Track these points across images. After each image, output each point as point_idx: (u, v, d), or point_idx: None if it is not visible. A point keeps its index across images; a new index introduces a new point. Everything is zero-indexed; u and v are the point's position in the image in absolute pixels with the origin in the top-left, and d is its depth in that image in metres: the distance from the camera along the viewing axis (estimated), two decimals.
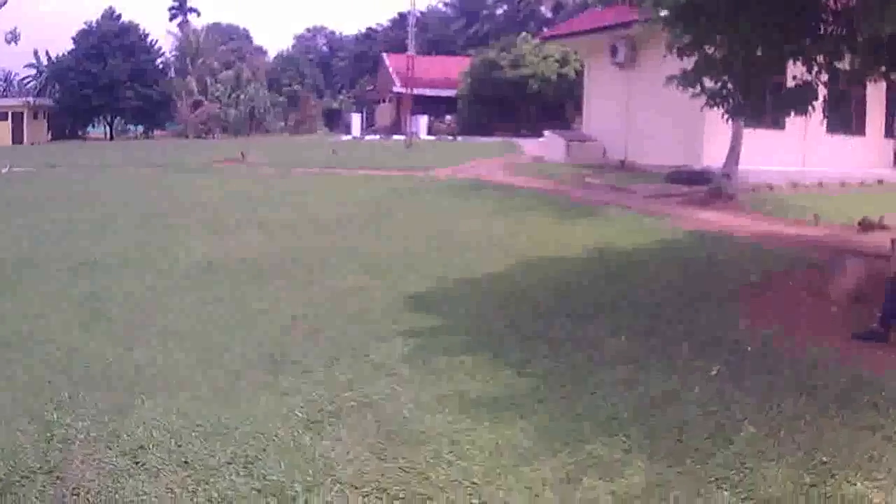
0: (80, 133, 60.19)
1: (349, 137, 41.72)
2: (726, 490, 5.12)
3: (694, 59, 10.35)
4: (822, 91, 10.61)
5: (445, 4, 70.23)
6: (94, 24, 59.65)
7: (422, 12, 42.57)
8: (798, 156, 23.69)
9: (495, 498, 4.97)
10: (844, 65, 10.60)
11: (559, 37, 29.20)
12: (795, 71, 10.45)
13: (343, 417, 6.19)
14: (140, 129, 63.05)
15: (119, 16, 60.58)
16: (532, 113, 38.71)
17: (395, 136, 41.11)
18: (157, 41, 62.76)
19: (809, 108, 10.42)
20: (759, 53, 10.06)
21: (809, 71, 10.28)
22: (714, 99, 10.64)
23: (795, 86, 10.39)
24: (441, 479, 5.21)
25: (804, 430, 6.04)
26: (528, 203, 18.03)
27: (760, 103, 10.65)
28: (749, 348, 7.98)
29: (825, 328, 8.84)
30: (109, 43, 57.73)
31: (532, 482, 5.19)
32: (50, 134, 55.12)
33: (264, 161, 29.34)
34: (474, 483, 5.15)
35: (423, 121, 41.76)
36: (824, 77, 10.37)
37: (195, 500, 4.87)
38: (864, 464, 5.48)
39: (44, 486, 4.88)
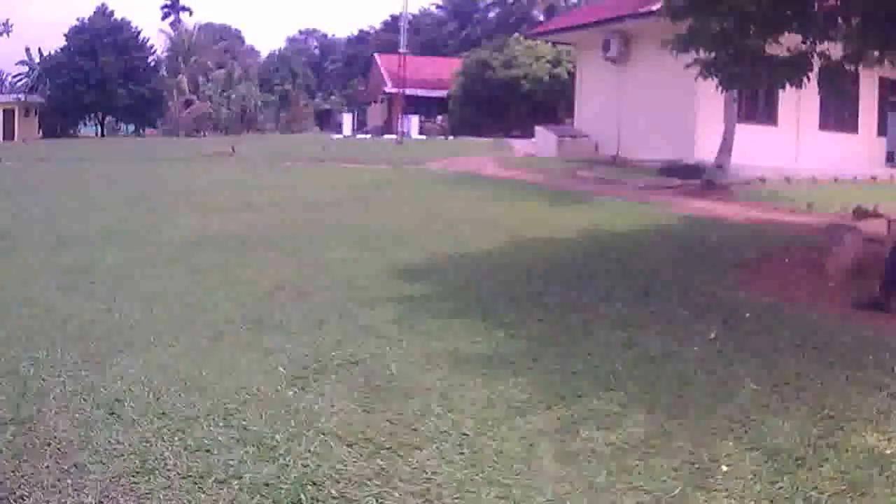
0: (70, 132, 59.71)
1: (340, 136, 41.53)
2: (730, 441, 4.88)
3: (688, 22, 10.13)
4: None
5: (438, 7, 70.21)
6: (86, 21, 59.46)
7: (414, 15, 42.40)
8: (791, 152, 23.58)
9: (487, 448, 4.71)
10: (838, 51, 10.43)
11: (552, 32, 29.08)
12: (790, 42, 10.27)
13: (328, 374, 5.94)
14: (131, 128, 62.81)
15: (112, 13, 60.40)
16: (523, 113, 38.55)
17: (387, 136, 40.95)
18: (149, 39, 62.78)
19: (805, 79, 10.23)
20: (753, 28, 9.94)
21: (805, 41, 10.12)
22: (708, 69, 10.43)
23: (790, 56, 10.20)
24: (430, 430, 4.96)
25: (808, 388, 5.82)
26: (519, 192, 17.88)
27: (755, 72, 10.43)
28: (747, 314, 7.78)
29: (824, 298, 8.68)
30: (102, 40, 57.36)
31: (527, 433, 4.94)
32: (41, 132, 54.61)
33: (254, 155, 29.13)
34: (464, 434, 4.90)
35: (415, 120, 41.58)
36: (820, 47, 10.18)
37: (171, 448, 4.63)
38: (873, 418, 5.26)
39: (13, 437, 4.70)
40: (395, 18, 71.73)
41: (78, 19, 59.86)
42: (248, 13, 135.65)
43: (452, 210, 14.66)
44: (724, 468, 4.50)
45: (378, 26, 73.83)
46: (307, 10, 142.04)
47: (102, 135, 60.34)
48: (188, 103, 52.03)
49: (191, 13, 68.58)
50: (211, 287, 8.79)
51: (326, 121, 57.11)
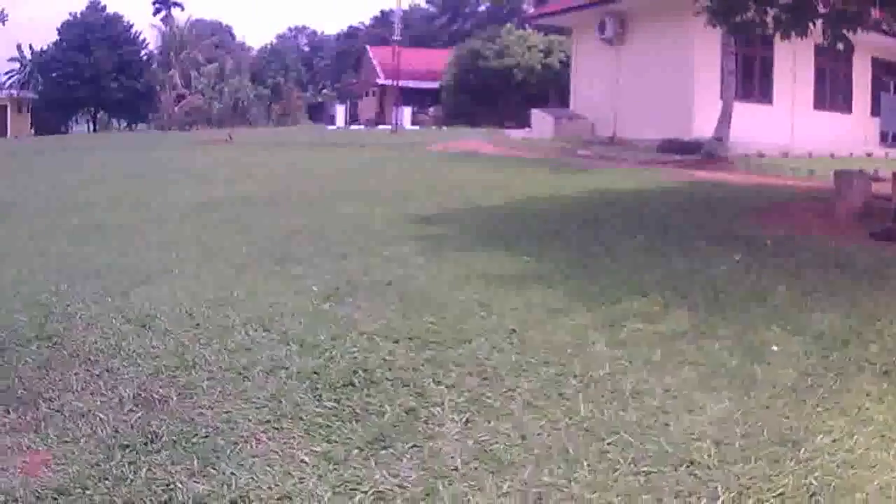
0: (62, 129, 59.32)
1: (334, 128, 41.51)
2: (775, 329, 4.96)
3: None
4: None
5: (428, 2, 70.23)
6: (79, 16, 59.21)
7: (404, 10, 42.44)
8: (786, 131, 23.68)
9: (536, 339, 4.78)
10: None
11: (547, 15, 29.13)
12: None
13: (360, 292, 5.94)
14: (124, 123, 62.49)
15: (104, 7, 60.27)
16: (516, 104, 38.56)
17: (380, 127, 40.93)
18: (141, 33, 62.53)
19: (809, 27, 10.32)
20: None
21: None
22: (715, 15, 10.52)
23: (795, 1, 10.28)
24: (475, 328, 5.00)
25: (839, 293, 5.92)
26: (521, 165, 17.93)
27: (761, 19, 10.52)
28: (767, 242, 7.86)
29: (837, 233, 8.78)
30: (94, 34, 57.18)
31: (572, 328, 5.01)
32: (33, 129, 54.24)
33: (251, 142, 29.07)
34: (511, 330, 4.96)
35: (407, 112, 41.57)
36: None
37: (210, 349, 4.67)
38: None
39: (39, 349, 4.69)
40: (385, 14, 71.83)
41: (70, 14, 59.83)
42: (237, 10, 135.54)
43: (458, 177, 14.67)
44: (775, 347, 4.61)
45: (368, 22, 74.01)
46: (296, 8, 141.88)
47: (94, 130, 60.01)
48: (180, 98, 51.88)
49: (182, 8, 68.37)
50: (226, 234, 8.76)
51: (318, 114, 57.02)
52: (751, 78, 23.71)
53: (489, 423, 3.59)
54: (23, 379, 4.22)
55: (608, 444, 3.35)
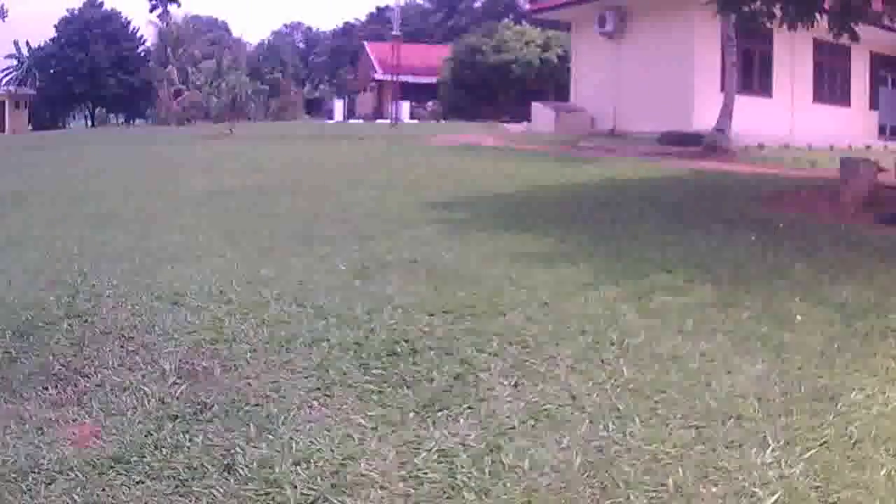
0: (59, 124, 59.07)
1: (332, 122, 41.60)
2: (797, 300, 5.13)
3: None
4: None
5: None
6: (76, 12, 59.09)
7: (400, 7, 42.48)
8: (786, 124, 23.85)
9: (570, 310, 4.94)
10: None
11: (547, 9, 29.24)
12: None
13: (389, 270, 6.07)
14: (121, 118, 62.28)
15: (101, 3, 60.05)
16: (513, 99, 38.65)
17: (379, 121, 40.98)
18: (138, 29, 62.35)
19: (816, 16, 10.48)
20: None
21: None
22: (724, 6, 10.68)
23: None
24: (509, 301, 5.14)
25: (854, 270, 6.10)
26: (525, 157, 18.03)
27: (769, 9, 10.68)
28: (780, 224, 8.02)
29: (845, 218, 8.95)
30: (92, 30, 56.92)
31: (603, 300, 5.17)
32: (31, 125, 54.05)
33: (252, 135, 29.09)
34: (545, 302, 5.11)
35: (406, 106, 41.63)
36: None
37: (246, 323, 4.75)
38: None
39: (70, 328, 4.70)
40: (380, 10, 71.93)
41: (68, 10, 59.49)
42: (233, 7, 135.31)
43: (465, 168, 14.79)
44: (799, 317, 4.77)
45: (363, 18, 74.10)
46: (291, 4, 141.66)
47: (92, 125, 59.82)
48: (177, 93, 51.83)
49: (179, 5, 68.22)
50: (246, 219, 8.83)
51: (315, 109, 57.06)
52: (750, 71, 23.90)
53: (537, 386, 3.73)
54: (57, 356, 4.24)
55: (656, 402, 3.50)
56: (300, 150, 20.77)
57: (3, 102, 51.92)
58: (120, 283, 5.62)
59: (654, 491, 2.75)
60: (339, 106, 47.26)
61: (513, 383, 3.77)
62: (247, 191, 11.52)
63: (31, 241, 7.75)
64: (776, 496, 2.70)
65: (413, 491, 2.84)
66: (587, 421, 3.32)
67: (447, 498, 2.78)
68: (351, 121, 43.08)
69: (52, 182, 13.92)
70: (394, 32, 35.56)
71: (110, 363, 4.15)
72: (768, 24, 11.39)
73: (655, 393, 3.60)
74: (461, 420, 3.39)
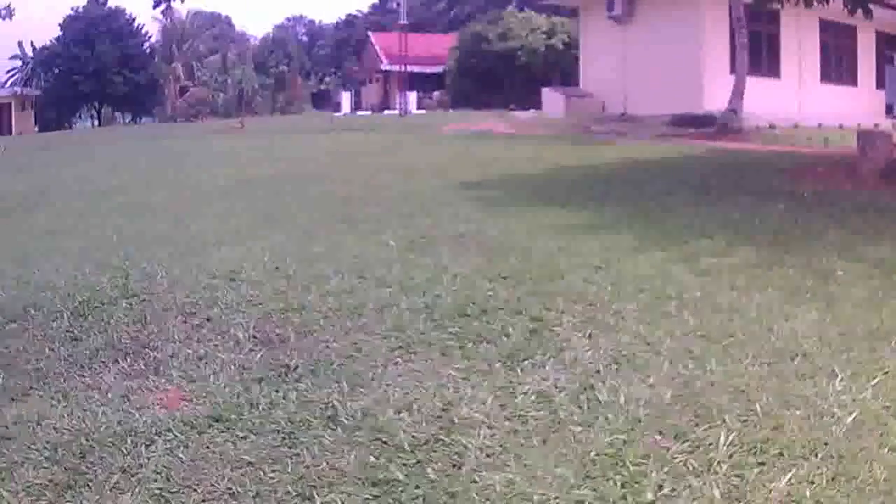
0: (66, 125, 58.99)
1: (340, 114, 41.74)
2: (836, 258, 5.42)
3: None
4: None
5: None
6: (80, 10, 59.17)
7: None
8: (794, 104, 24.07)
9: (623, 272, 5.22)
10: None
11: None
12: None
13: (439, 244, 6.29)
14: (128, 117, 62.29)
15: (105, 1, 60.16)
16: (520, 86, 38.78)
17: (386, 112, 41.20)
18: (143, 26, 62.40)
19: None
20: None
21: None
22: None
23: None
24: (563, 266, 5.41)
25: (885, 232, 6.40)
26: (540, 140, 18.26)
27: None
28: (805, 194, 8.31)
29: (865, 188, 9.19)
30: (97, 28, 56.98)
31: (653, 262, 5.47)
32: (37, 126, 54.08)
33: (263, 129, 29.33)
34: (598, 266, 5.38)
35: (413, 96, 41.76)
36: None
37: (311, 294, 4.92)
38: None
39: (130, 305, 4.83)
40: (382, 1, 72.00)
41: (72, 9, 59.45)
42: (234, 1, 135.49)
43: (483, 152, 15.01)
44: (840, 272, 5.07)
45: (365, 10, 74.18)
46: None
47: (99, 124, 59.85)
48: (184, 90, 52.12)
49: (182, 1, 68.28)
50: (280, 204, 8.95)
51: (321, 102, 57.24)
52: (758, 52, 24.08)
53: (610, 336, 4.02)
54: (121, 333, 4.35)
55: (725, 345, 3.80)
56: (314, 141, 20.93)
57: (9, 104, 51.83)
58: (170, 265, 5.72)
59: (744, 416, 3.04)
60: (346, 98, 47.43)
61: (587, 334, 4.04)
62: (271, 179, 11.68)
63: (68, 232, 7.88)
64: (854, 415, 3.00)
65: (520, 427, 3.05)
66: (666, 362, 3.61)
67: (554, 432, 3.01)
68: (358, 112, 43.24)
69: (72, 179, 13.97)
70: (401, 22, 35.70)
71: (177, 337, 4.28)
72: (783, 5, 11.62)
73: (723, 337, 3.89)
74: (547, 367, 3.64)
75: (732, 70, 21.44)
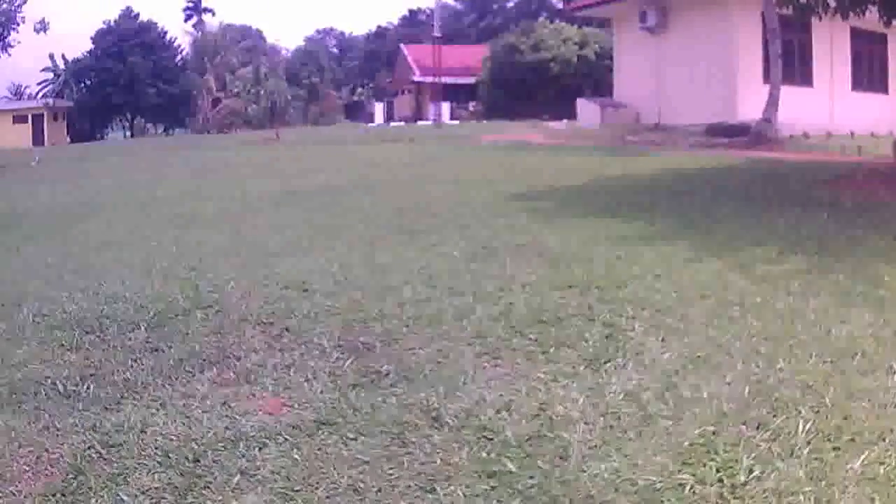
0: (98, 136, 59.78)
1: (373, 125, 42.24)
2: (882, 264, 5.74)
3: None
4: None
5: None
6: (112, 24, 60.13)
7: (431, 9, 43.15)
8: (826, 112, 24.23)
9: (683, 279, 5.56)
10: None
11: (587, 7, 29.78)
12: None
13: (500, 254, 6.57)
14: (160, 128, 63.04)
15: (137, 15, 61.24)
16: (552, 97, 39.05)
17: (420, 123, 41.64)
18: (175, 39, 63.37)
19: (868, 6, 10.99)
20: None
21: None
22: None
23: None
24: (624, 274, 5.74)
25: None
26: (579, 151, 18.53)
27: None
28: (848, 205, 8.59)
29: None
30: (129, 41, 57.90)
31: (710, 271, 5.79)
32: (69, 137, 54.83)
33: (297, 140, 29.61)
34: (657, 275, 5.70)
35: (446, 107, 42.19)
36: None
37: (387, 303, 5.15)
38: None
39: (206, 316, 4.98)
40: (413, 13, 72.75)
41: (104, 22, 60.48)
42: (265, 14, 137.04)
43: (525, 163, 15.37)
44: (887, 278, 5.38)
45: (396, 22, 75.02)
46: (324, 10, 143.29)
47: (132, 135, 60.64)
48: (216, 101, 52.86)
49: (213, 14, 69.14)
50: (335, 216, 9.17)
51: (354, 113, 57.85)
52: (791, 62, 24.29)
53: (682, 339, 4.34)
54: (201, 343, 4.50)
55: (790, 346, 4.14)
56: (353, 153, 21.26)
57: (42, 115, 52.50)
58: (238, 276, 5.92)
59: (816, 407, 3.38)
60: (379, 109, 47.98)
61: (660, 338, 4.36)
62: (319, 191, 11.86)
63: (125, 243, 8.06)
64: None
65: (614, 423, 3.33)
66: (739, 362, 3.94)
67: (646, 425, 3.30)
68: (392, 123, 43.69)
69: (113, 190, 14.22)
70: (434, 34, 36.14)
71: (258, 346, 4.43)
72: (821, 17, 11.89)
73: (787, 339, 4.23)
74: (628, 368, 3.94)
75: (766, 79, 21.71)
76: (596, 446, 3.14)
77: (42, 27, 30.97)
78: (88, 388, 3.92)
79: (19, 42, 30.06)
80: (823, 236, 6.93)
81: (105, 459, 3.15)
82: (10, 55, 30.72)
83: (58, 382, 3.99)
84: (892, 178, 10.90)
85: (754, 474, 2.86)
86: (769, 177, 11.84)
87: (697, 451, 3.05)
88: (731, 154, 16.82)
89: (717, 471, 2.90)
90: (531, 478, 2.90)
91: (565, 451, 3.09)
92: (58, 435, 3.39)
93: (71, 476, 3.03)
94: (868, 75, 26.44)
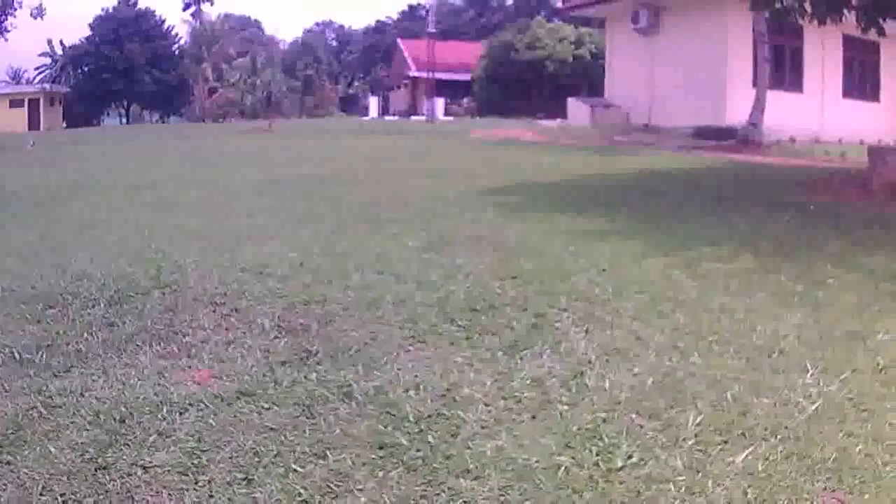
0: (94, 122, 59.70)
1: (368, 118, 42.23)
2: (830, 267, 5.73)
3: None
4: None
5: None
6: (111, 11, 60.20)
7: (430, 5, 43.16)
8: (816, 118, 24.23)
9: (628, 275, 5.55)
10: None
11: (580, 7, 29.74)
12: None
13: (456, 245, 6.60)
14: (156, 116, 63.08)
15: (136, 2, 61.18)
16: (547, 95, 39.08)
17: (414, 117, 41.61)
18: (173, 27, 63.41)
19: (843, 13, 10.98)
20: None
21: None
22: (758, 2, 11.24)
23: None
24: (571, 268, 5.76)
25: (885, 245, 6.68)
26: (564, 149, 18.60)
27: (801, 5, 11.21)
28: (812, 207, 8.61)
29: (875, 203, 9.48)
30: (127, 28, 58.03)
31: (657, 267, 5.80)
32: (65, 122, 54.71)
33: (290, 130, 29.65)
34: (603, 269, 5.71)
35: (440, 103, 42.09)
36: None
37: (333, 288, 5.21)
38: None
39: (163, 295, 5.11)
40: (412, 8, 72.72)
41: (102, 9, 60.62)
42: (265, 5, 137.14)
43: (509, 159, 15.37)
44: (832, 280, 5.38)
45: (395, 16, 74.98)
46: (324, 3, 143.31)
47: (127, 122, 60.66)
48: (212, 91, 52.85)
49: (212, 3, 69.06)
50: (309, 204, 9.27)
51: (349, 106, 57.92)
52: (781, 67, 24.31)
53: (606, 331, 4.35)
54: (153, 320, 4.63)
55: (710, 341, 4.12)
56: (343, 144, 21.30)
57: (38, 100, 52.47)
58: (201, 259, 6.03)
59: (716, 401, 3.37)
60: (373, 103, 47.92)
61: (584, 329, 4.37)
62: (300, 180, 11.97)
63: (103, 225, 8.14)
64: (817, 404, 3.33)
65: (514, 406, 3.40)
66: (653, 355, 3.94)
67: (542, 410, 3.36)
68: (386, 117, 43.68)
69: (103, 174, 14.29)
70: (429, 30, 36.10)
71: (206, 324, 4.56)
72: (799, 20, 11.88)
73: (709, 335, 4.22)
74: (544, 356, 3.97)
75: (755, 84, 21.68)
76: (489, 426, 3.21)
77: (39, 13, 30.90)
78: (42, 356, 4.10)
79: (16, 27, 30.05)
80: (781, 238, 6.91)
81: (44, 418, 3.37)
82: (6, 40, 30.74)
83: (14, 351, 4.17)
84: (865, 184, 10.87)
85: (632, 461, 2.87)
86: (744, 179, 11.85)
87: (583, 436, 3.08)
88: (713, 156, 16.83)
89: (596, 454, 2.92)
90: (418, 451, 3.01)
91: (458, 429, 3.18)
92: (5, 396, 3.61)
93: (10, 431, 3.24)
94: (860, 83, 26.47)
